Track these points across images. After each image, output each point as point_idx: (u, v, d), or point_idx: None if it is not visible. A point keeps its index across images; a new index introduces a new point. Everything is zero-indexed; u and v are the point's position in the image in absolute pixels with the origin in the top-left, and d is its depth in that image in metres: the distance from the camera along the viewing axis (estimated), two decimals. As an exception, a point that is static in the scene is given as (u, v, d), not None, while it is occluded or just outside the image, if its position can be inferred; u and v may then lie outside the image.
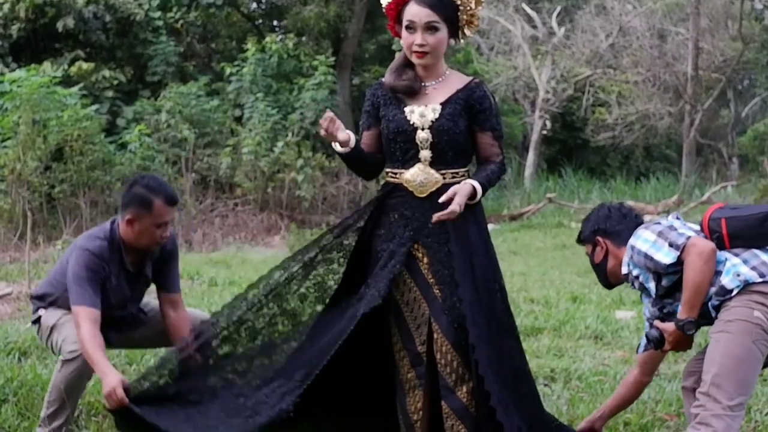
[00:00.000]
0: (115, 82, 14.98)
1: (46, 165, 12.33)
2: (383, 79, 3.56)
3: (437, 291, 3.41)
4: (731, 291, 3.18)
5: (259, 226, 13.60)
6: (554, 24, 22.55)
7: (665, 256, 3.21)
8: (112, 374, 3.45)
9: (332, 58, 15.98)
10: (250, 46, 15.64)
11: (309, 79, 15.32)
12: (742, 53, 22.81)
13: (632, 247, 3.34)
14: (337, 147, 3.43)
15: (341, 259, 3.60)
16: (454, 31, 3.46)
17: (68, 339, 3.72)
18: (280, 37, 17.28)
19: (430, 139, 3.42)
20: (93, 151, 12.55)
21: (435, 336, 3.39)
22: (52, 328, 3.85)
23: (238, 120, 15.27)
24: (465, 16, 3.45)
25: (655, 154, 26.15)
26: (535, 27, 22.97)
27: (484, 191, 3.42)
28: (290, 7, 17.77)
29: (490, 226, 3.70)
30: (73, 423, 3.89)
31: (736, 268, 3.19)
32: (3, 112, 12.38)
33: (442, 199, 3.30)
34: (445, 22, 3.39)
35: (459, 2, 3.42)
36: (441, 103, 3.44)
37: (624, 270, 3.44)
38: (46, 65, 13.71)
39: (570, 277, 8.88)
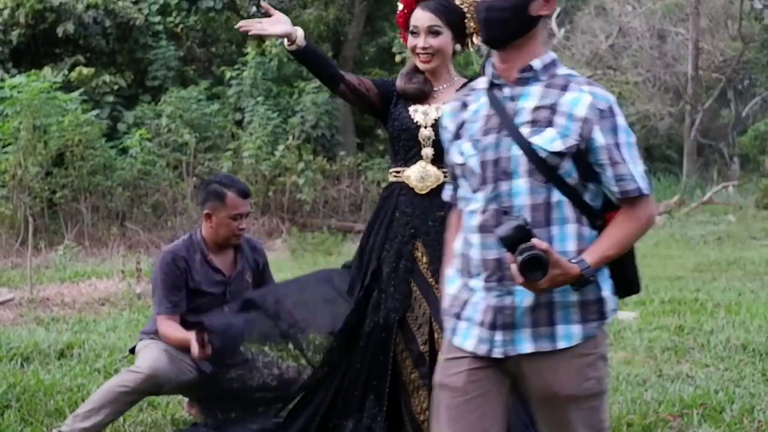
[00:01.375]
0: (116, 87, 15.00)
1: (47, 170, 12.35)
2: (396, 83, 3.58)
3: (437, 291, 3.41)
4: (605, 317, 2.40)
5: (261, 229, 13.61)
6: (554, 25, 22.53)
7: (639, 180, 2.31)
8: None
9: (332, 61, 15.98)
10: (250, 50, 15.66)
11: (309, 83, 15.33)
12: (742, 53, 22.81)
13: (601, 111, 2.29)
14: (285, 42, 3.38)
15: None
16: (460, 36, 3.49)
17: (141, 356, 3.97)
18: (280, 40, 17.27)
19: (432, 137, 3.46)
20: (94, 156, 12.58)
21: (436, 336, 3.41)
22: (139, 351, 4.07)
23: (239, 124, 15.28)
24: (473, 24, 3.47)
25: (655, 154, 26.15)
26: (534, 28, 22.96)
27: None
28: (290, 10, 17.78)
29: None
30: None
31: (607, 285, 2.42)
32: (4, 117, 12.40)
33: None
34: (448, 26, 3.43)
35: (465, 9, 3.44)
36: (445, 103, 3.45)
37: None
38: (47, 70, 13.74)
39: (572, 278, 8.87)
